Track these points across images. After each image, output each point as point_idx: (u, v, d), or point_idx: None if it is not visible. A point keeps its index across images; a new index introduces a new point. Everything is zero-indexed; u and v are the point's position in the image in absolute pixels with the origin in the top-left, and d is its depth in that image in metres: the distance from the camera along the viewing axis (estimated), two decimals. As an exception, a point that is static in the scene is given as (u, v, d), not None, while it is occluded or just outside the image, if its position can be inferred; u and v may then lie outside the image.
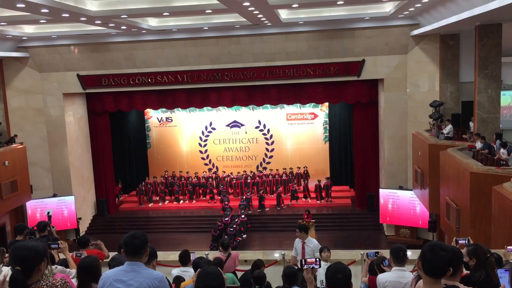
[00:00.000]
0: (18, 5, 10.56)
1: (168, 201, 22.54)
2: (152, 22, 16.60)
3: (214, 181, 22.90)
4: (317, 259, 4.34)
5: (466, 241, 5.54)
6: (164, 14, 13.70)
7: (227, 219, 19.02)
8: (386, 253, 6.04)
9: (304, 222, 17.85)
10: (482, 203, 10.50)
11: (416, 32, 17.10)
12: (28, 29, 17.22)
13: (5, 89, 19.57)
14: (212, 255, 8.52)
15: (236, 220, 19.03)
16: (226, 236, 17.64)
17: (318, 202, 21.59)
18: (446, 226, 13.08)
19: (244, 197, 20.95)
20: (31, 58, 19.29)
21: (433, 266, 3.08)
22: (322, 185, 21.64)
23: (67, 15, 12.35)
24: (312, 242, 8.27)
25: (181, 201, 22.36)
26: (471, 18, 11.75)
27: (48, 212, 10.05)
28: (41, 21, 14.06)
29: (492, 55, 13.42)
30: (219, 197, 21.73)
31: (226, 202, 20.50)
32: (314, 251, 8.11)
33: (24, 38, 17.74)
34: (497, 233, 9.65)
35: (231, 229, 18.25)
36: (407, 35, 17.68)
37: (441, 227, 14.64)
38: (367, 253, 6.40)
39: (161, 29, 17.05)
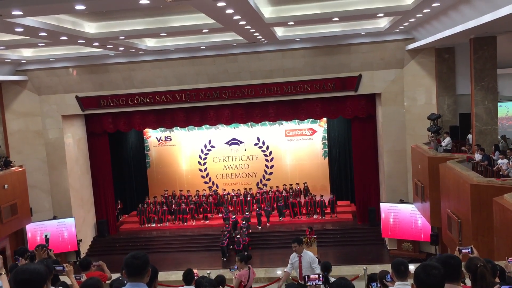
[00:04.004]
0: (16, 29, 10.67)
1: (168, 222, 22.40)
2: (150, 43, 16.75)
3: (213, 199, 22.79)
4: (320, 275, 4.34)
5: (469, 250, 5.50)
6: (162, 34, 13.82)
7: (227, 226, 19.88)
8: (388, 268, 6.01)
9: (306, 238, 17.83)
10: (484, 215, 10.48)
11: (411, 46, 17.25)
12: (27, 53, 17.34)
13: (4, 112, 19.64)
14: (214, 274, 8.46)
15: (244, 230, 19.56)
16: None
17: (320, 218, 21.50)
18: (449, 239, 13.03)
19: (244, 217, 20.84)
20: (30, 81, 19.40)
21: (428, 286, 3.11)
22: (328, 200, 21.64)
23: (65, 38, 12.48)
24: (308, 254, 8.24)
25: (180, 223, 22.26)
26: (465, 31, 11.88)
27: (46, 235, 9.98)
28: (40, 44, 14.19)
29: (487, 67, 13.52)
30: (219, 215, 21.75)
31: (226, 226, 20.37)
32: (311, 263, 8.10)
33: (22, 61, 17.86)
34: (500, 244, 9.61)
35: (238, 244, 18.73)
36: (402, 49, 17.84)
37: (443, 240, 14.58)
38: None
39: (159, 49, 17.19)
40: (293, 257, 8.30)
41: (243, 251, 18.57)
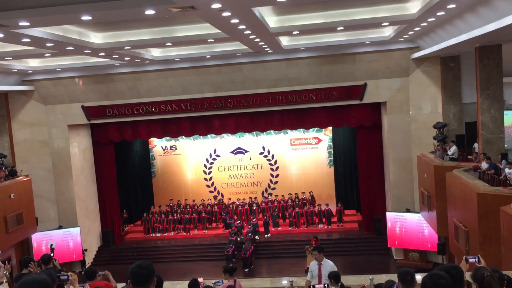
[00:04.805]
0: (23, 40, 10.76)
1: (173, 231, 22.34)
2: (155, 53, 16.83)
3: (218, 209, 22.76)
4: (326, 285, 4.31)
5: (476, 260, 5.45)
6: (167, 44, 13.90)
7: (234, 228, 20.12)
8: (395, 277, 5.97)
9: (312, 247, 17.74)
10: (491, 224, 10.40)
11: (416, 55, 17.25)
12: (33, 63, 17.47)
13: (10, 122, 19.75)
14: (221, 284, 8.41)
15: (250, 235, 19.79)
16: (233, 260, 18.07)
17: (326, 227, 21.41)
18: (456, 249, 12.92)
19: (251, 223, 20.80)
20: (36, 91, 19.52)
21: None
22: (336, 210, 21.58)
23: (72, 48, 12.56)
24: (328, 264, 8.19)
25: (182, 232, 22.21)
26: (470, 40, 11.88)
27: (51, 245, 10.00)
28: (46, 54, 14.29)
29: (493, 75, 13.48)
30: (224, 224, 21.76)
31: (233, 228, 20.43)
32: (331, 271, 8.04)
33: (29, 71, 18.00)
34: (508, 254, 9.53)
35: (245, 252, 18.68)
36: (407, 58, 17.84)
37: (450, 250, 14.47)
38: None
39: (164, 59, 17.27)
40: (313, 264, 8.28)
41: (249, 260, 18.56)
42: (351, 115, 19.85)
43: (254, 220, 21.07)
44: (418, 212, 17.51)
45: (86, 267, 18.74)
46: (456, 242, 12.57)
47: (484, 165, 12.19)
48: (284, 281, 8.84)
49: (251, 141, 23.31)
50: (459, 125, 17.39)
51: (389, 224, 18.58)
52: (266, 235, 21.08)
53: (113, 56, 15.16)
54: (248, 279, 17.68)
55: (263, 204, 22.42)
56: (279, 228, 21.66)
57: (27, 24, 8.95)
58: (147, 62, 17.62)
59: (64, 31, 11.36)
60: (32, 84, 19.27)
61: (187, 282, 6.94)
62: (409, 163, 18.47)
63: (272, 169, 23.52)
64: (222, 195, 23.63)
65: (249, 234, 19.89)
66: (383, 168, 20.36)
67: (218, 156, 23.64)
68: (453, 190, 12.71)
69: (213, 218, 22.47)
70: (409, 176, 18.51)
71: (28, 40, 10.76)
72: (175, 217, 22.42)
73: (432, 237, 17.23)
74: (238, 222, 20.93)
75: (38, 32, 10.35)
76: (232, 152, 23.53)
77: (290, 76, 18.70)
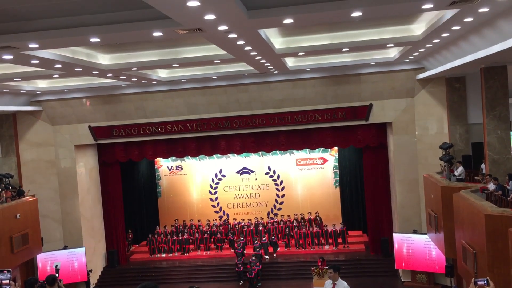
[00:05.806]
0: (32, 62, 10.92)
1: (178, 252, 22.19)
2: (162, 73, 17.00)
3: (223, 229, 22.63)
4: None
5: (485, 282, 5.39)
6: (174, 65, 14.04)
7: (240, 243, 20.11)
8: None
9: (318, 269, 17.60)
10: (499, 245, 10.27)
11: (421, 76, 17.31)
12: (42, 84, 17.69)
13: (18, 142, 19.89)
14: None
15: (258, 250, 19.81)
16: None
17: (333, 248, 21.22)
18: (464, 271, 12.75)
19: (258, 242, 20.61)
20: (44, 112, 19.70)
21: None
22: (339, 230, 21.39)
23: (80, 69, 12.73)
24: (343, 284, 8.13)
25: (191, 251, 22.06)
26: (475, 61, 11.92)
27: (56, 265, 9.91)
28: (55, 75, 14.47)
29: (499, 96, 13.47)
30: (230, 246, 21.60)
31: (240, 248, 20.29)
32: None
33: (37, 92, 18.19)
34: (517, 276, 9.38)
35: (250, 272, 18.55)
36: (413, 79, 17.90)
37: (458, 272, 14.27)
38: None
39: (171, 79, 17.43)
40: (327, 284, 8.25)
41: (254, 280, 18.38)
42: (357, 135, 19.85)
43: (264, 239, 20.92)
44: (425, 233, 17.34)
45: (91, 288, 18.65)
46: (464, 264, 12.41)
47: (491, 186, 12.10)
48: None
49: (256, 161, 23.32)
50: (466, 146, 17.33)
51: (396, 245, 18.40)
52: (274, 254, 20.94)
53: (121, 77, 15.33)
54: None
55: (269, 224, 22.29)
56: (286, 249, 21.50)
57: (37, 46, 9.09)
58: (154, 82, 17.78)
59: (72, 52, 11.53)
60: (40, 104, 19.46)
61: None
62: (415, 183, 18.37)
63: (277, 189, 23.46)
64: (228, 216, 23.54)
65: (257, 249, 19.74)
66: (390, 188, 20.25)
67: (223, 176, 23.63)
68: (460, 211, 12.60)
69: (218, 238, 22.30)
70: (416, 197, 18.39)
71: (37, 61, 10.93)
72: (180, 238, 22.31)
73: (440, 259, 17.02)
74: (242, 239, 20.75)
75: (47, 53, 10.52)
76: (237, 172, 23.53)
77: (295, 96, 18.79)
